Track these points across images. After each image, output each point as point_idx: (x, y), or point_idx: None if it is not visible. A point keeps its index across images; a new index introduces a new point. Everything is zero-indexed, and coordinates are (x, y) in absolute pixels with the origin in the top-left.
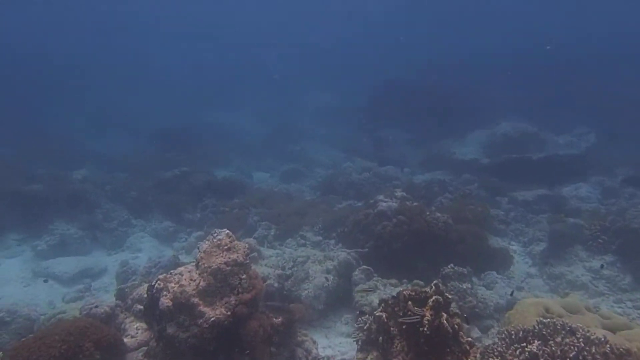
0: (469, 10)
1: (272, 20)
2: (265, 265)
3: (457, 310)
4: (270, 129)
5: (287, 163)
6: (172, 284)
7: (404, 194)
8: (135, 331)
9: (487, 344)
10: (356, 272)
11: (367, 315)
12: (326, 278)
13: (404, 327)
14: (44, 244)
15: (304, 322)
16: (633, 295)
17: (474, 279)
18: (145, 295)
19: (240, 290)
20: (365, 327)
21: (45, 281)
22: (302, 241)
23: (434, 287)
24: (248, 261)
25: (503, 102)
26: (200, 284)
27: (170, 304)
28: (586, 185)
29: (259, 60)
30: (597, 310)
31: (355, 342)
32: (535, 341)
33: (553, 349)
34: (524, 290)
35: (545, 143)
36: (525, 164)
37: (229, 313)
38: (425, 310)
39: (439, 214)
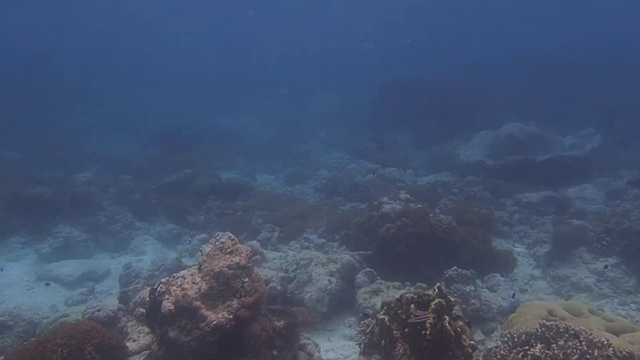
0: (476, 11)
1: (272, 21)
2: (269, 267)
3: (460, 313)
4: (274, 131)
5: (291, 165)
6: (175, 288)
7: (408, 196)
8: (138, 335)
9: (490, 346)
10: (359, 275)
11: (369, 319)
12: (329, 281)
13: (406, 330)
14: (48, 247)
15: (306, 325)
16: (637, 298)
17: (478, 282)
18: (148, 299)
19: (242, 293)
20: (367, 330)
21: (47, 284)
22: (306, 243)
23: (436, 289)
24: (251, 264)
25: (509, 103)
26: (203, 287)
27: (172, 307)
28: (591, 186)
29: (260, 61)
30: (601, 313)
31: (357, 345)
32: (538, 344)
33: (556, 352)
34: (528, 293)
35: (550, 144)
36: (530, 165)
37: (231, 316)
38: (428, 313)
39: (442, 216)
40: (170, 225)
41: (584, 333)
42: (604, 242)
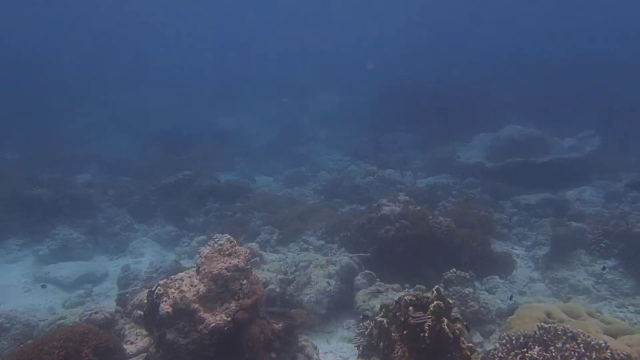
0: (476, 11)
1: (272, 21)
2: (267, 269)
3: (459, 316)
4: (274, 132)
5: (291, 167)
6: (173, 290)
7: (407, 198)
8: (135, 337)
9: (488, 349)
10: (358, 277)
11: (368, 321)
12: (328, 283)
13: (405, 332)
14: (46, 248)
15: (305, 328)
16: (635, 300)
17: (477, 284)
18: (146, 301)
19: (240, 295)
20: (366, 333)
21: (44, 287)
22: (305, 245)
23: (435, 292)
24: (249, 266)
25: (509, 104)
26: (201, 289)
27: (170, 309)
28: (590, 188)
29: (260, 61)
30: (599, 315)
31: (356, 348)
32: (536, 347)
33: (553, 354)
34: (526, 295)
35: (550, 146)
36: (529, 167)
37: (229, 319)
38: (427, 314)
39: (442, 218)
40: (169, 227)
41: (581, 335)
42: (602, 244)
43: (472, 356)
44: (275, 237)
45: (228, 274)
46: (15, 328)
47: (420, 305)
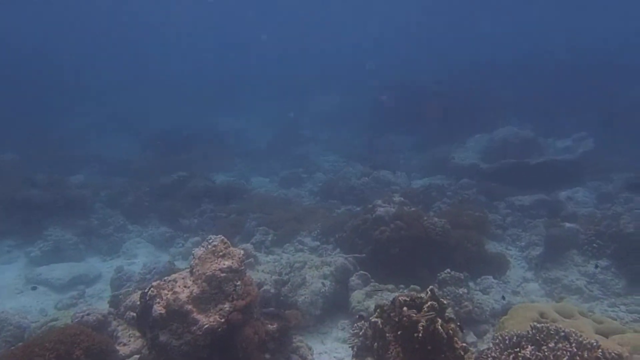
0: (472, 13)
1: (272, 21)
2: (262, 271)
3: (453, 316)
4: (271, 134)
5: (287, 168)
6: (166, 291)
7: (402, 199)
8: (128, 339)
9: (482, 348)
10: (353, 278)
11: (362, 322)
12: (323, 284)
13: (399, 333)
14: (37, 250)
15: (300, 328)
16: (627, 300)
17: (471, 284)
18: (139, 303)
19: (234, 297)
20: (361, 333)
21: (34, 288)
22: (300, 246)
23: (429, 292)
24: (243, 267)
25: (504, 106)
26: (194, 291)
27: (163, 311)
28: (583, 190)
29: (260, 61)
30: (591, 315)
31: (351, 348)
32: (529, 346)
33: (546, 353)
34: (520, 295)
35: (544, 148)
36: (523, 168)
37: (222, 320)
38: (420, 315)
39: (436, 219)
40: (164, 228)
41: (574, 335)
42: (595, 244)
43: (465, 356)
44: (270, 238)
45: (222, 275)
46: (6, 330)
47: (415, 305)
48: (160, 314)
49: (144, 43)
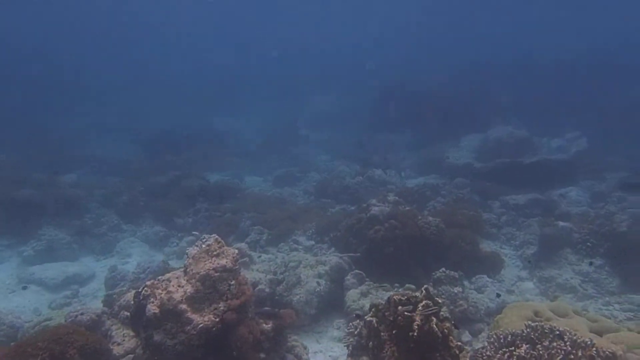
0: (472, 13)
1: (272, 21)
2: (257, 270)
3: (448, 315)
4: (266, 133)
5: (281, 167)
6: (160, 291)
7: (397, 198)
8: (122, 338)
9: (477, 347)
10: (348, 277)
11: (357, 321)
12: (318, 283)
13: (394, 332)
14: (30, 249)
15: (295, 328)
16: (620, 298)
17: (466, 283)
18: (132, 302)
19: (229, 296)
20: (356, 332)
21: (25, 288)
22: (295, 246)
23: (424, 291)
24: (237, 267)
25: (500, 106)
26: (188, 290)
27: (157, 310)
28: (576, 189)
29: (260, 61)
30: (585, 314)
31: (346, 347)
32: (524, 345)
33: (540, 352)
34: (515, 294)
35: (538, 147)
36: (517, 168)
37: (217, 319)
38: (415, 314)
39: (431, 218)
40: (158, 227)
41: (568, 334)
42: (588, 243)
43: (460, 355)
44: (264, 238)
45: (216, 274)
46: None
47: (410, 304)
48: (154, 313)
49: (144, 43)
